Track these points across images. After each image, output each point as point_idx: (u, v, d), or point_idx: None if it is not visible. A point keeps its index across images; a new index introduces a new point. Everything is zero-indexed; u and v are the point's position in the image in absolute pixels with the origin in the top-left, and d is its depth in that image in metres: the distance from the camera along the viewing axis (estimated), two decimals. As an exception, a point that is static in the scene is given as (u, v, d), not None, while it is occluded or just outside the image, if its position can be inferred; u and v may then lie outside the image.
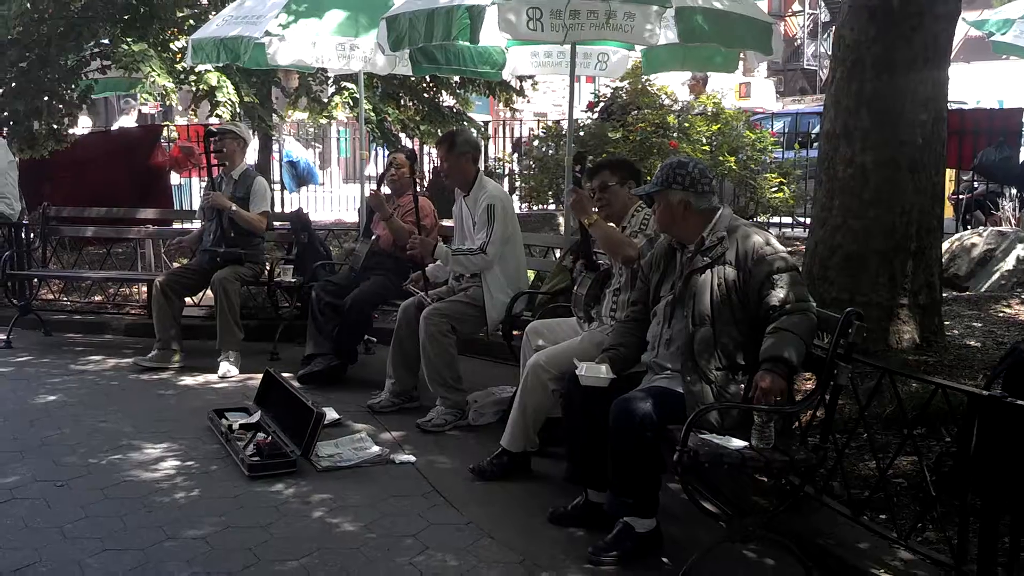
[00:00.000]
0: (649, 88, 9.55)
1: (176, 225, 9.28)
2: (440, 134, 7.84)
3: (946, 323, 5.71)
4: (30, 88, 9.26)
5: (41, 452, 4.89)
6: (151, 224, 8.39)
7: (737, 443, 3.38)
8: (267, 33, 6.99)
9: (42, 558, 3.66)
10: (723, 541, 3.51)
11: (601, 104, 10.18)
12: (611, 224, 4.51)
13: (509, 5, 5.45)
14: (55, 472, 4.59)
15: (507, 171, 12.93)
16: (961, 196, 10.75)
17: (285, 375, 5.58)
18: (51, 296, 8.63)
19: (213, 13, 8.95)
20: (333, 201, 16.38)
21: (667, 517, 3.83)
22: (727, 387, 3.57)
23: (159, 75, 8.65)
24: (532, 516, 4.08)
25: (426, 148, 12.65)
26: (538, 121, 13.33)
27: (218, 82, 8.99)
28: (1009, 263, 7.47)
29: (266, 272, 6.99)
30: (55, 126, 9.53)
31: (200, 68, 8.66)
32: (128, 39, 8.84)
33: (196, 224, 7.32)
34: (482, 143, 10.79)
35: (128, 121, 14.03)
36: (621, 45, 7.78)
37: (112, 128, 13.71)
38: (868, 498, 3.76)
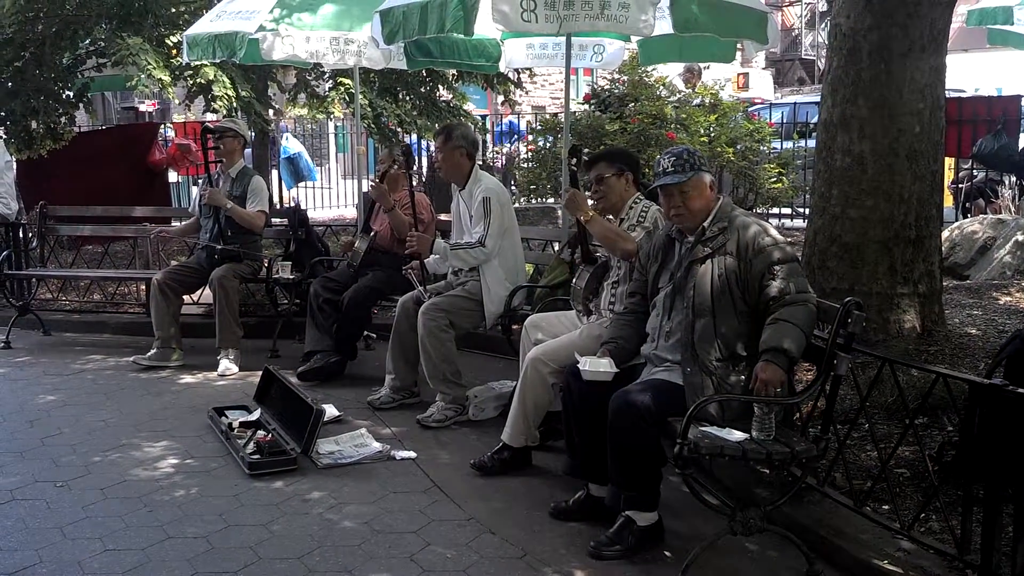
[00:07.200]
0: (646, 80, 9.51)
1: (175, 223, 9.23)
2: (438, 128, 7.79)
3: (947, 311, 5.69)
4: (26, 87, 9.23)
5: (41, 452, 4.89)
6: (149, 222, 8.36)
7: (738, 435, 3.37)
8: (260, 28, 6.93)
9: (42, 559, 3.65)
10: (725, 534, 3.50)
11: (598, 96, 10.13)
12: (609, 217, 4.48)
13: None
14: (55, 472, 4.59)
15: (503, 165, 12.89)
16: (961, 184, 10.73)
17: (284, 372, 5.56)
18: (49, 296, 8.62)
19: (206, 11, 8.90)
20: (332, 197, 16.35)
21: (668, 510, 3.83)
22: (727, 378, 3.56)
23: (155, 68, 8.61)
24: (533, 511, 4.08)
25: (423, 143, 12.60)
26: (536, 114, 13.29)
27: (215, 76, 8.95)
28: (1009, 251, 7.44)
29: (264, 269, 6.97)
30: (52, 125, 9.50)
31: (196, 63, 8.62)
32: (123, 35, 8.80)
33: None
34: (480, 139, 10.75)
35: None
36: (617, 36, 7.74)
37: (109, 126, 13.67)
38: (870, 489, 3.75)
